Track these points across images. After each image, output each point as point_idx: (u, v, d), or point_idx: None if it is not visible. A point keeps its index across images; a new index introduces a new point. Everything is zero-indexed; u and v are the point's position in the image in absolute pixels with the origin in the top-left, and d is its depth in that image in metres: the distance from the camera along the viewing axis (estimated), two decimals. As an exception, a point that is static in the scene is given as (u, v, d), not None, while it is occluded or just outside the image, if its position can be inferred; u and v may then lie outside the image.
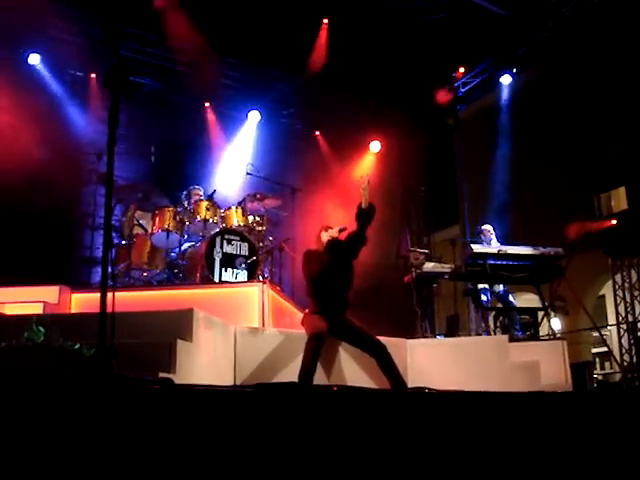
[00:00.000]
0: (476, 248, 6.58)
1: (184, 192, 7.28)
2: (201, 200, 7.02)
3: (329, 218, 6.63)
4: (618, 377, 9.33)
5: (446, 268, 7.33)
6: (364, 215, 4.85)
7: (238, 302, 5.62)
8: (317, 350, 4.50)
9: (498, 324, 7.36)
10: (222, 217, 7.01)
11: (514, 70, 10.64)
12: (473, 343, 5.86)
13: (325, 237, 5.02)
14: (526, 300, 9.45)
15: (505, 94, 10.80)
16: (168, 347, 3.73)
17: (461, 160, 11.82)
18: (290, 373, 4.58)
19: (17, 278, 5.74)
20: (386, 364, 4.68)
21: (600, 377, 10.72)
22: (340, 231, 5.02)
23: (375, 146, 11.33)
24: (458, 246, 8.36)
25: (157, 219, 6.82)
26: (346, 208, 5.62)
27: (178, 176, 8.78)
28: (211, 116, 10.60)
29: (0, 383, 2.06)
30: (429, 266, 7.49)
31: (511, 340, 5.76)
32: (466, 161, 11.71)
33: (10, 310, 4.94)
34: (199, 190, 7.32)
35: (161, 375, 3.46)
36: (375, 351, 4.75)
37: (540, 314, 7.00)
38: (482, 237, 7.68)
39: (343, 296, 4.96)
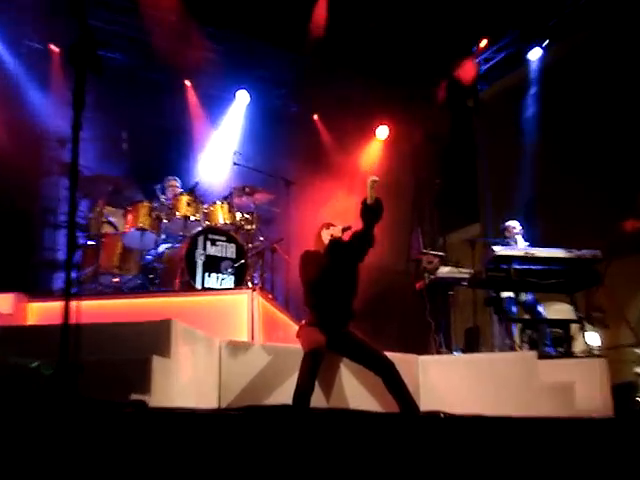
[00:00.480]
0: (499, 250, 6.57)
1: (159, 185, 7.29)
2: (181, 194, 7.04)
3: (329, 215, 6.63)
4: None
5: (464, 273, 7.35)
6: (370, 212, 4.84)
7: (224, 312, 5.65)
8: (314, 368, 4.50)
9: (525, 338, 7.36)
10: (205, 214, 7.03)
11: (544, 44, 10.63)
12: (496, 360, 5.87)
13: (326, 236, 5.01)
14: (558, 311, 9.44)
15: (534, 72, 10.78)
16: (142, 364, 3.74)
17: (482, 148, 11.83)
18: (283, 394, 4.59)
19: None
20: (394, 384, 4.68)
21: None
22: (344, 230, 5.00)
23: (382, 132, 11.36)
24: (478, 248, 8.34)
25: (130, 216, 6.84)
26: (349, 203, 5.62)
27: (154, 166, 8.76)
28: (192, 97, 10.58)
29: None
30: (444, 271, 7.52)
31: (541, 357, 5.77)
32: (488, 150, 11.71)
33: (-43, 322, 4.95)
34: (175, 181, 7.33)
35: (134, 397, 3.46)
36: (381, 369, 4.75)
37: (574, 327, 7.00)
38: (506, 235, 7.70)
39: (346, 306, 4.95)
